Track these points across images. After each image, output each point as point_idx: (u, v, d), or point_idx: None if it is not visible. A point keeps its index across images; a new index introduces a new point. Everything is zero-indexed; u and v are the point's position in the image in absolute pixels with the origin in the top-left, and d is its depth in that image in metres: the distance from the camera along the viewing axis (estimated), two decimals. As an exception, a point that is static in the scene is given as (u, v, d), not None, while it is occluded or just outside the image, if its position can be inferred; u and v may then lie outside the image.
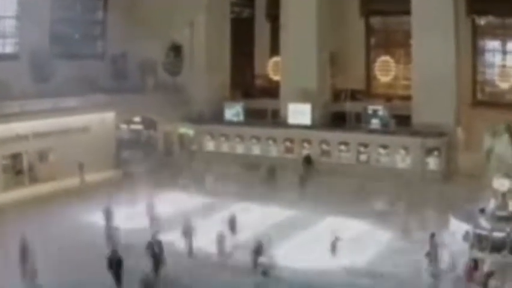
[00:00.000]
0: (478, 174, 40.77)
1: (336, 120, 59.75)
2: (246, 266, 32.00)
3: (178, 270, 31.83)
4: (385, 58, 62.53)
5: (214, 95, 63.62)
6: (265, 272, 29.11)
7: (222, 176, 50.72)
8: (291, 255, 33.98)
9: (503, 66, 56.34)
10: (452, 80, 52.82)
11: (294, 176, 50.52)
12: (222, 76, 65.34)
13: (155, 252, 31.51)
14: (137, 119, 64.28)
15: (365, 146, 54.34)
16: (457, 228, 33.18)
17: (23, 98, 49.05)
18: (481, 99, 57.56)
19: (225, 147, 60.77)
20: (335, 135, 55.98)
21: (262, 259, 31.52)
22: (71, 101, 51.89)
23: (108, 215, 37.68)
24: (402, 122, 54.64)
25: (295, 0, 59.31)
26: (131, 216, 39.39)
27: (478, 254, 30.52)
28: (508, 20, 55.38)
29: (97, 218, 40.00)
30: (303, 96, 57.54)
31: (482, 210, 33.66)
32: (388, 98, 60.47)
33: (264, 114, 63.04)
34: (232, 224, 36.55)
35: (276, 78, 65.60)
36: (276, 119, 61.34)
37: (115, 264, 29.37)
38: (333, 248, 33.39)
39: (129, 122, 64.04)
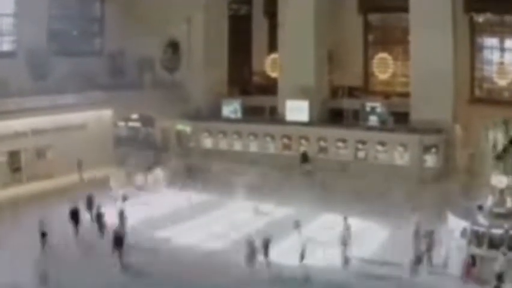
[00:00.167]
0: (476, 170, 40.91)
1: (334, 117, 59.73)
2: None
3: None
4: (383, 55, 62.34)
5: (212, 92, 63.52)
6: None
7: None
8: (288, 252, 34.04)
9: (501, 63, 56.26)
10: (450, 77, 52.78)
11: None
12: (219, 73, 65.23)
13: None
14: (134, 116, 64.30)
15: (363, 143, 54.26)
16: (455, 225, 33.16)
17: (20, 95, 49.02)
18: (479, 96, 57.43)
19: (222, 144, 60.69)
20: (332, 132, 55.92)
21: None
22: (69, 98, 51.87)
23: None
24: (400, 119, 54.63)
25: (293, -2, 59.32)
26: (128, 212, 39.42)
27: (476, 251, 30.51)
28: (506, 18, 55.29)
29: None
30: (301, 93, 57.46)
31: (480, 207, 33.64)
32: (386, 95, 60.35)
33: (262, 111, 63.03)
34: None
35: (273, 75, 65.43)
36: (274, 115, 61.27)
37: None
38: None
39: (127, 119, 64.07)
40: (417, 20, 53.34)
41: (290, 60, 59.25)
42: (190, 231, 38.16)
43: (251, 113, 61.57)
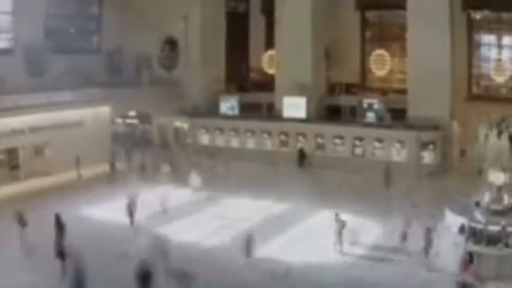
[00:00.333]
0: (473, 167, 40.92)
1: (331, 113, 59.86)
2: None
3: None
4: (380, 52, 62.55)
5: (209, 89, 63.68)
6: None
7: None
8: (285, 249, 34.07)
9: (499, 60, 56.36)
10: (448, 74, 52.87)
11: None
12: (217, 70, 65.34)
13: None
14: (132, 113, 64.32)
15: (360, 139, 54.37)
16: (453, 221, 33.19)
17: (18, 92, 48.93)
18: (476, 93, 57.57)
19: (219, 141, 60.73)
20: (330, 129, 56.01)
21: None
22: (67, 96, 51.80)
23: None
24: (397, 115, 54.73)
25: (290, -6, 59.32)
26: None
27: (473, 247, 30.55)
28: (504, 15, 55.37)
29: (92, 212, 40.33)
30: (298, 90, 57.53)
31: (478, 204, 33.68)
32: (383, 92, 60.50)
33: (259, 107, 63.17)
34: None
35: (271, 71, 65.62)
36: (271, 112, 61.42)
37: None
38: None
39: (124, 116, 64.07)
40: (414, 16, 53.43)
41: (287, 57, 59.34)
42: (187, 229, 38.11)
43: (248, 110, 61.70)
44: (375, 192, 45.24)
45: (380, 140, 53.45)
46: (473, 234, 31.20)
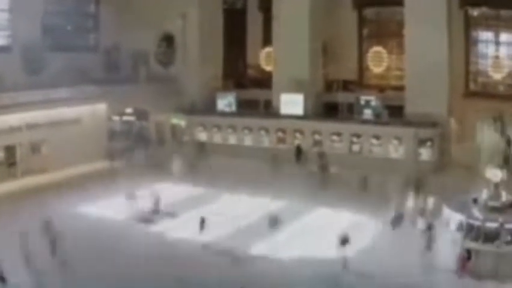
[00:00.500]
0: (471, 164, 40.97)
1: (328, 110, 59.80)
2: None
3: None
4: (378, 49, 62.44)
5: (207, 86, 63.58)
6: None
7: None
8: (282, 245, 34.08)
9: (496, 57, 56.33)
10: (445, 71, 52.81)
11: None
12: (214, 66, 65.28)
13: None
14: (129, 110, 64.22)
15: (358, 136, 54.34)
16: (450, 218, 33.21)
17: (15, 90, 48.88)
18: (474, 90, 57.51)
19: (217, 138, 60.68)
20: (327, 126, 55.98)
21: None
22: (63, 93, 51.72)
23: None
24: (395, 112, 54.67)
25: (287, -8, 59.25)
26: (123, 207, 39.42)
27: (471, 244, 30.56)
28: (502, 11, 55.32)
29: (90, 209, 40.30)
30: (296, 87, 57.48)
31: (475, 201, 33.69)
32: (381, 89, 60.39)
33: (257, 104, 63.11)
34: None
35: (268, 68, 65.50)
36: (269, 109, 61.33)
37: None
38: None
39: (121, 113, 63.98)
40: (412, 13, 53.34)
41: (285, 54, 59.28)
42: (183, 225, 38.12)
43: (246, 107, 61.65)
44: (371, 188, 45.31)
45: (377, 137, 53.43)
46: (471, 231, 31.24)
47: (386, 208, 37.99)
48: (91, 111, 53.82)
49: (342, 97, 59.55)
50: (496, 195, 32.85)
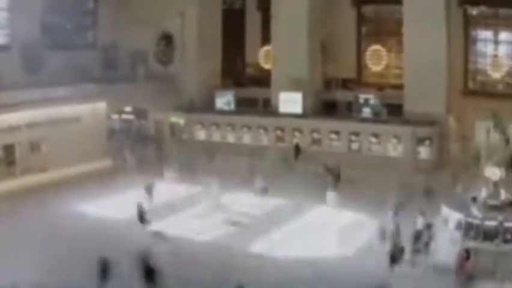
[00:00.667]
0: (470, 163, 40.97)
1: (327, 109, 59.94)
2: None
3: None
4: (376, 47, 62.48)
5: (205, 84, 63.61)
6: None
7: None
8: (280, 244, 34.12)
9: (495, 56, 56.37)
10: (444, 70, 52.94)
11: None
12: (213, 65, 65.25)
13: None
14: (128, 108, 64.24)
15: (356, 134, 54.44)
16: (449, 217, 33.24)
17: (14, 88, 48.83)
18: (473, 89, 57.55)
19: (215, 136, 60.69)
20: (326, 124, 56.10)
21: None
22: (63, 91, 51.58)
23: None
24: (393, 110, 54.83)
25: (286, -10, 59.25)
26: (123, 205, 39.44)
27: (470, 243, 30.60)
28: (501, 10, 55.35)
29: (89, 208, 40.31)
30: (294, 85, 57.55)
31: (474, 199, 33.72)
32: (379, 87, 60.45)
33: (255, 103, 63.13)
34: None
35: (267, 66, 65.53)
36: (267, 107, 61.40)
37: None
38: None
39: (120, 111, 63.99)
40: (410, 12, 53.46)
41: (283, 52, 59.37)
42: (181, 223, 38.19)
43: (244, 105, 61.68)
44: (370, 187, 45.40)
45: (376, 135, 53.56)
46: (470, 230, 31.28)
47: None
48: (91, 110, 53.63)
49: (341, 95, 59.72)
50: (495, 194, 32.86)
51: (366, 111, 55.82)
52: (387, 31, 62.00)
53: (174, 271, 29.82)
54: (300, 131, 56.64)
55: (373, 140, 53.72)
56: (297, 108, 57.77)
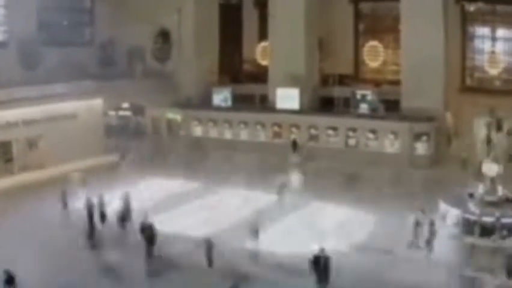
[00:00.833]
0: (467, 159, 41.07)
1: (324, 105, 59.94)
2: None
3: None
4: (374, 43, 62.47)
5: (202, 80, 63.58)
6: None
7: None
8: (276, 240, 34.14)
9: (493, 52, 56.36)
10: (441, 66, 52.92)
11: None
12: (210, 61, 65.20)
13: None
14: (125, 105, 64.26)
15: (354, 130, 54.40)
16: (446, 213, 33.34)
17: (11, 85, 48.80)
18: (470, 85, 57.56)
19: (212, 133, 60.68)
20: (323, 120, 56.03)
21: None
22: (60, 88, 51.56)
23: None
24: (390, 106, 54.82)
25: (283, -14, 59.22)
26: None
27: (468, 239, 30.70)
28: (498, 7, 55.35)
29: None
30: (291, 81, 57.55)
31: (471, 195, 33.83)
32: (377, 83, 60.45)
33: (252, 99, 63.14)
34: None
35: (264, 63, 65.49)
36: (264, 103, 61.37)
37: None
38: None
39: (117, 108, 64.01)
40: (408, 8, 53.46)
41: (280, 48, 59.33)
42: (177, 219, 38.17)
43: (241, 101, 61.63)
44: (368, 183, 45.46)
45: (373, 131, 53.51)
46: (467, 226, 31.39)
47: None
48: (88, 107, 53.62)
49: (338, 91, 59.69)
50: (492, 190, 33.03)
51: (364, 107, 55.83)
52: (385, 27, 61.95)
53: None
54: (297, 127, 56.56)
55: (370, 136, 53.67)
56: (294, 104, 57.78)
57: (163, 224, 34.90)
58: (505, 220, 31.01)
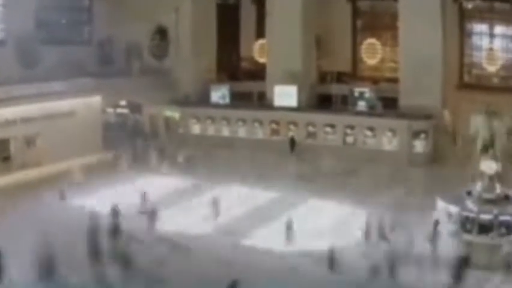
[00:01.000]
0: (465, 156, 41.03)
1: (322, 102, 59.99)
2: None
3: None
4: (372, 40, 62.47)
5: (200, 78, 63.45)
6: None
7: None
8: (273, 237, 34.18)
9: (491, 49, 56.40)
10: (439, 63, 53.00)
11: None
12: (208, 59, 65.11)
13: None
14: (123, 102, 64.25)
15: (352, 128, 54.43)
16: (444, 210, 33.32)
17: (9, 83, 48.81)
18: (468, 82, 57.62)
19: (211, 130, 60.66)
20: (321, 117, 56.08)
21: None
22: (58, 86, 51.59)
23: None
24: (388, 104, 54.89)
25: (281, -16, 59.17)
26: (118, 199, 39.39)
27: (466, 237, 30.70)
28: (496, 4, 55.40)
29: (84, 202, 40.25)
30: (289, 79, 57.53)
31: (469, 193, 33.81)
32: (374, 81, 60.48)
33: (250, 96, 63.12)
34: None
35: (262, 60, 65.46)
36: (262, 101, 61.36)
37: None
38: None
39: (115, 105, 64.02)
40: (406, 6, 53.53)
41: (278, 46, 59.27)
42: (174, 217, 38.18)
43: (239, 99, 61.61)
44: (365, 180, 45.50)
45: (371, 129, 53.56)
46: (465, 223, 31.38)
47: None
48: (86, 104, 53.62)
49: (336, 89, 59.75)
50: (490, 188, 32.97)
51: (361, 105, 55.93)
52: (383, 25, 61.96)
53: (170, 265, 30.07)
54: (295, 124, 56.57)
55: (368, 133, 53.73)
56: (292, 102, 57.79)
57: (162, 222, 35.08)
58: (503, 218, 31.01)
